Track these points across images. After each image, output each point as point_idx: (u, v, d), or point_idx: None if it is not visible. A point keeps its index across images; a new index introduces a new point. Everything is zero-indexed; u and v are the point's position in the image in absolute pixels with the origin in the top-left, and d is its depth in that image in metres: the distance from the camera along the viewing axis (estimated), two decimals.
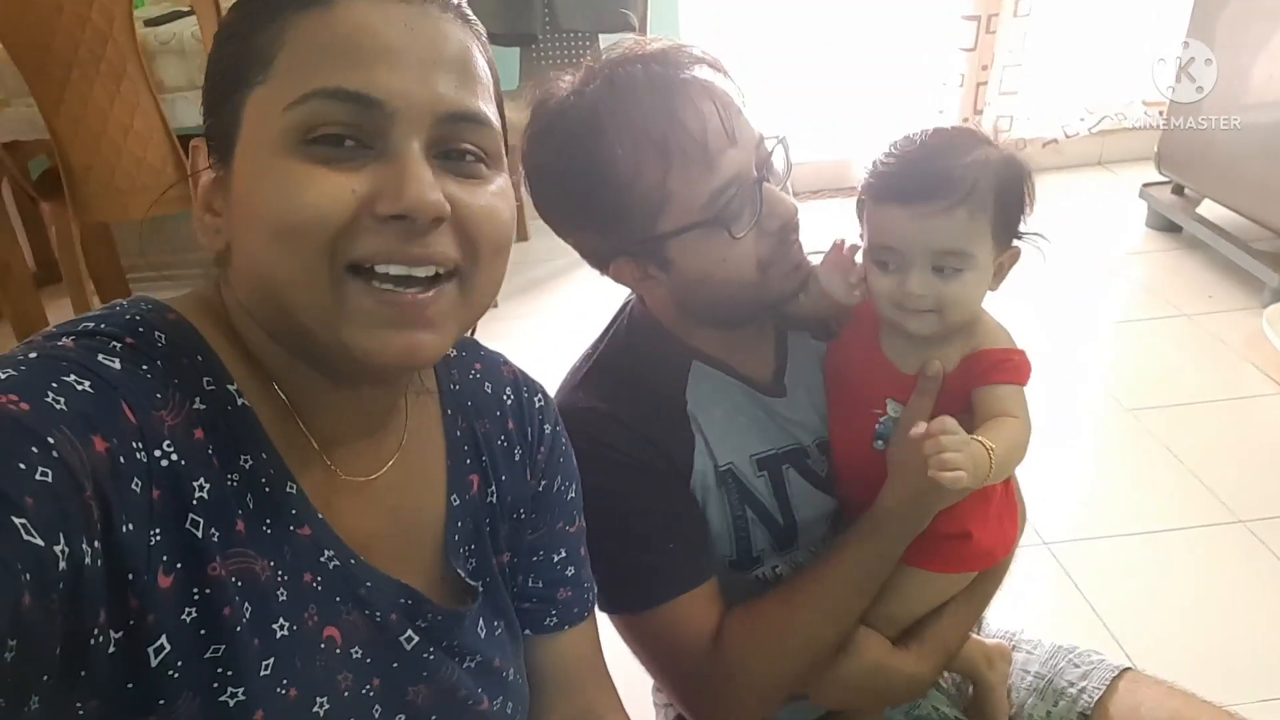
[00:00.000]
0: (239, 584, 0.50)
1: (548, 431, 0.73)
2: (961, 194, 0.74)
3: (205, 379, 0.52)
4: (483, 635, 0.65)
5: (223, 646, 0.49)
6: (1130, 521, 1.83)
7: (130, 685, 0.45)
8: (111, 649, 0.43)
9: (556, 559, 0.73)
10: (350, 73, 0.48)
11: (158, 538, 0.46)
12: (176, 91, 2.19)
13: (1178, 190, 2.94)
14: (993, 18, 3.14)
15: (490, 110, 0.54)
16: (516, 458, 0.70)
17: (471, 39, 0.54)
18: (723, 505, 0.85)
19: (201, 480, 0.49)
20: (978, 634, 0.97)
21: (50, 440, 0.40)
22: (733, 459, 0.85)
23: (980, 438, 0.72)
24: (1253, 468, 1.96)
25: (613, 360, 0.88)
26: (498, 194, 0.54)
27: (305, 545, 0.54)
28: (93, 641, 0.42)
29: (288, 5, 0.50)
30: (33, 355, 0.46)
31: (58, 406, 0.42)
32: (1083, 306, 2.64)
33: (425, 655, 0.61)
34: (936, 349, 0.79)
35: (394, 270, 0.50)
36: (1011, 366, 0.78)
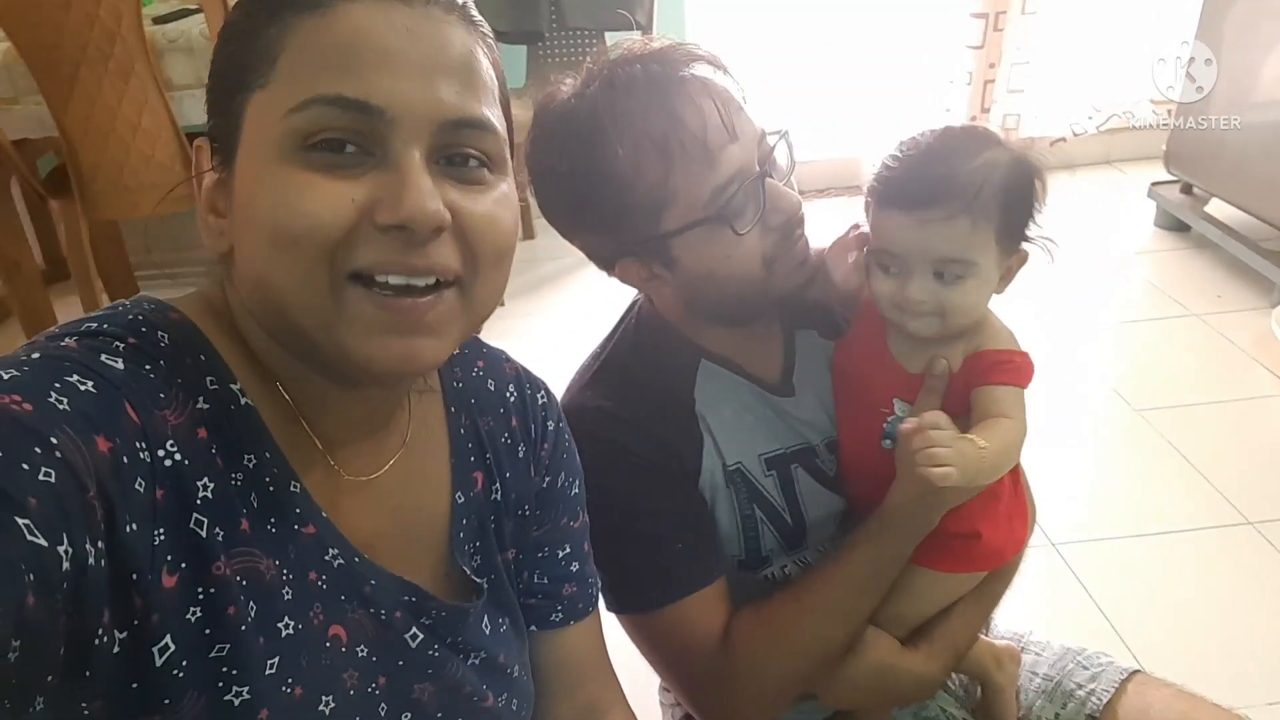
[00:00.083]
0: (243, 583, 0.50)
1: (551, 428, 0.73)
2: (964, 202, 0.73)
3: (208, 378, 0.52)
4: (488, 632, 0.65)
5: (227, 646, 0.49)
6: (1138, 523, 1.83)
7: (135, 685, 0.45)
8: (116, 649, 0.43)
9: (561, 555, 0.73)
10: (351, 79, 0.48)
11: (161, 537, 0.46)
12: (184, 89, 2.20)
13: (1186, 189, 2.93)
14: (1001, 15, 3.13)
15: (494, 114, 0.53)
16: (520, 454, 0.70)
17: (476, 41, 0.53)
18: (731, 505, 0.85)
19: (205, 480, 0.49)
20: (986, 635, 0.97)
21: (53, 440, 0.40)
22: (741, 458, 0.85)
23: (973, 436, 0.72)
24: (1262, 469, 1.95)
25: (621, 359, 0.88)
26: (499, 201, 0.53)
27: (309, 544, 0.54)
28: (97, 642, 0.42)
29: (289, 8, 0.49)
30: (35, 356, 0.46)
31: (60, 407, 0.42)
32: (1090, 306, 2.63)
33: (430, 652, 0.61)
34: (942, 348, 0.79)
35: (394, 280, 0.50)
36: (1012, 368, 0.77)
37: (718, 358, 0.87)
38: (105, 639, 0.42)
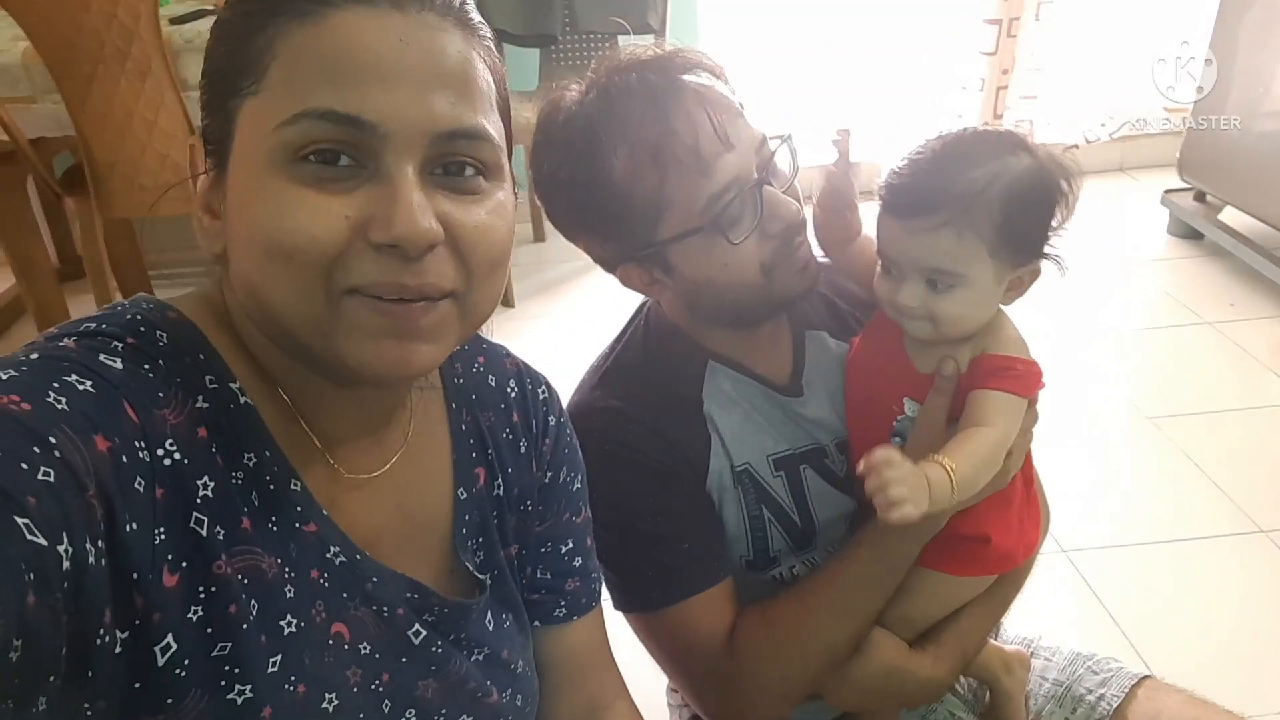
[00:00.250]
0: (245, 581, 0.50)
1: (552, 423, 0.73)
2: (950, 213, 0.72)
3: (207, 377, 0.52)
4: (491, 628, 0.65)
5: (229, 644, 0.49)
6: (1150, 530, 1.82)
7: (137, 685, 0.45)
8: (118, 649, 0.43)
9: (564, 550, 0.73)
10: (342, 93, 0.47)
11: (162, 536, 0.46)
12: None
13: (1199, 197, 2.92)
14: (1014, 21, 3.12)
15: (490, 122, 0.52)
16: (522, 450, 0.70)
17: (472, 46, 0.52)
18: (739, 506, 0.85)
19: (205, 479, 0.49)
20: (996, 640, 0.96)
21: (52, 440, 0.40)
22: (749, 459, 0.85)
23: (940, 459, 0.70)
24: (1274, 477, 1.94)
25: (630, 360, 0.88)
26: (494, 210, 0.52)
27: (311, 542, 0.54)
28: (99, 641, 0.42)
29: (280, 13, 0.48)
30: (34, 356, 0.46)
31: (59, 406, 0.42)
32: (1103, 314, 2.62)
33: (433, 649, 0.61)
34: (952, 349, 0.79)
35: (389, 295, 0.49)
36: (1011, 375, 0.76)
37: (725, 359, 0.87)
38: (107, 639, 0.42)
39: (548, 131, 0.80)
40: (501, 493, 0.68)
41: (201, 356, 0.52)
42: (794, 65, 3.23)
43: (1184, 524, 1.82)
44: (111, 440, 0.44)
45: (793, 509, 0.86)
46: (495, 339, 0.73)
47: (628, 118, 0.76)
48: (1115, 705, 0.91)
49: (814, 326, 0.91)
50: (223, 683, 0.48)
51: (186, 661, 0.46)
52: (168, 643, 0.46)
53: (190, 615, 0.47)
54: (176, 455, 0.47)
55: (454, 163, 0.51)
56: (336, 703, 0.54)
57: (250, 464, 0.52)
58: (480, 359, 0.71)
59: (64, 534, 0.39)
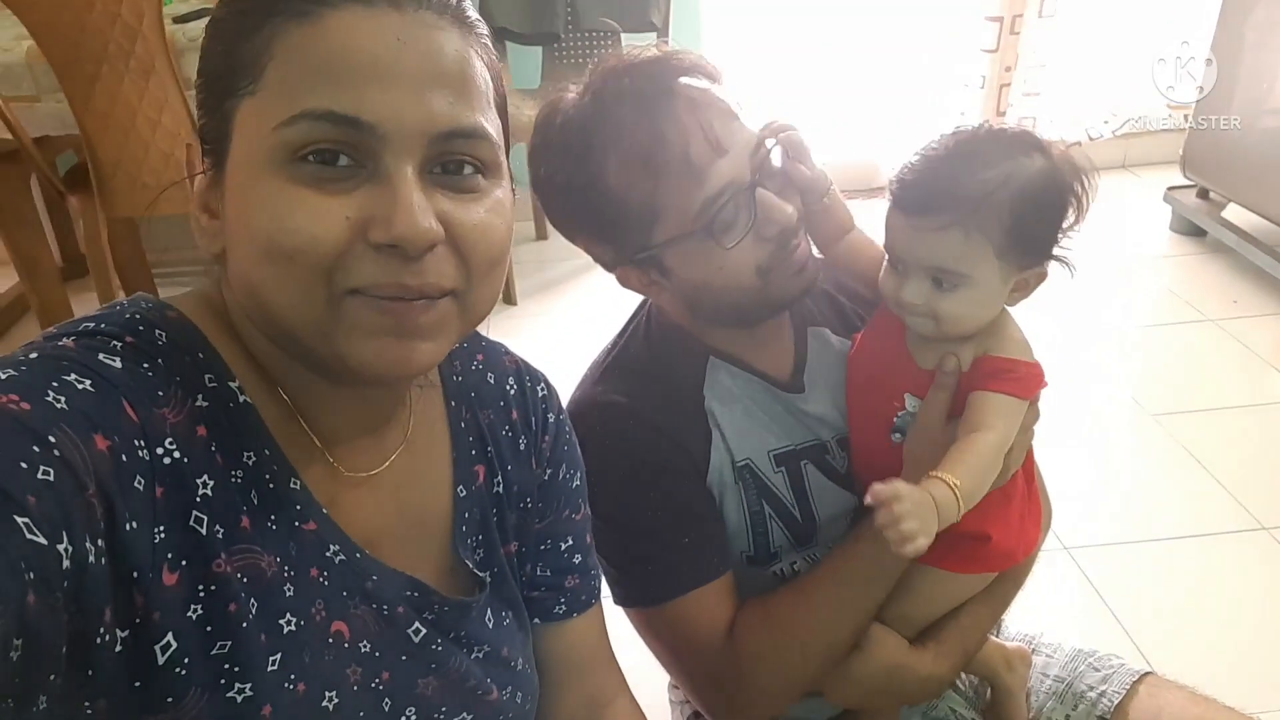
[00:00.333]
0: (244, 580, 0.50)
1: (552, 420, 0.73)
2: (959, 214, 0.72)
3: (206, 376, 0.52)
4: (491, 625, 0.65)
5: (229, 643, 0.49)
6: (1152, 527, 1.82)
7: (137, 683, 0.45)
8: (118, 647, 0.43)
9: (564, 547, 0.73)
10: (341, 94, 0.47)
11: (161, 535, 0.46)
12: None
13: (1203, 194, 2.91)
14: (1017, 19, 3.12)
15: (489, 120, 0.52)
16: (521, 447, 0.70)
17: (470, 44, 0.52)
18: (740, 501, 0.85)
19: (205, 477, 0.49)
20: (997, 637, 0.97)
21: (51, 439, 0.40)
22: (750, 455, 0.85)
23: (943, 475, 0.70)
24: (1277, 474, 1.94)
25: (632, 355, 0.89)
26: (493, 208, 0.52)
27: (311, 541, 0.54)
28: (99, 640, 0.42)
29: (276, 13, 0.48)
30: (33, 355, 0.46)
31: (58, 405, 0.42)
32: (1106, 311, 2.62)
33: (434, 646, 0.61)
34: (954, 346, 0.79)
35: (389, 295, 0.49)
36: (1013, 378, 0.76)
37: (726, 354, 0.87)
38: (107, 637, 0.42)
39: (545, 134, 0.81)
40: (501, 490, 0.68)
41: (200, 355, 0.52)
42: (795, 63, 3.22)
43: (1186, 521, 1.82)
44: (111, 439, 0.44)
45: (793, 505, 0.86)
46: (498, 337, 0.73)
47: (620, 124, 0.76)
48: (1116, 702, 0.91)
49: (816, 323, 0.92)
50: (222, 681, 0.48)
51: (186, 660, 0.46)
52: (168, 641, 0.46)
53: (190, 614, 0.47)
54: (176, 454, 0.48)
55: (453, 161, 0.51)
56: (337, 701, 0.54)
57: (250, 463, 0.52)
58: (479, 356, 0.71)
59: (64, 533, 0.39)
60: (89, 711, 0.43)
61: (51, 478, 0.39)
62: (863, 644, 0.81)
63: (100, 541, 0.41)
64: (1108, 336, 2.51)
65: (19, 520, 0.37)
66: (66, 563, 0.39)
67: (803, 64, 3.24)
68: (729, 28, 3.17)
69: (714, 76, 0.80)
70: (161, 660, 0.46)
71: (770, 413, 0.87)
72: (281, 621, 0.52)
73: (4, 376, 0.43)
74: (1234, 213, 2.79)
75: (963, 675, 0.94)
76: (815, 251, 0.85)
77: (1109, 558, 1.75)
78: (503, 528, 0.68)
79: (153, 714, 0.46)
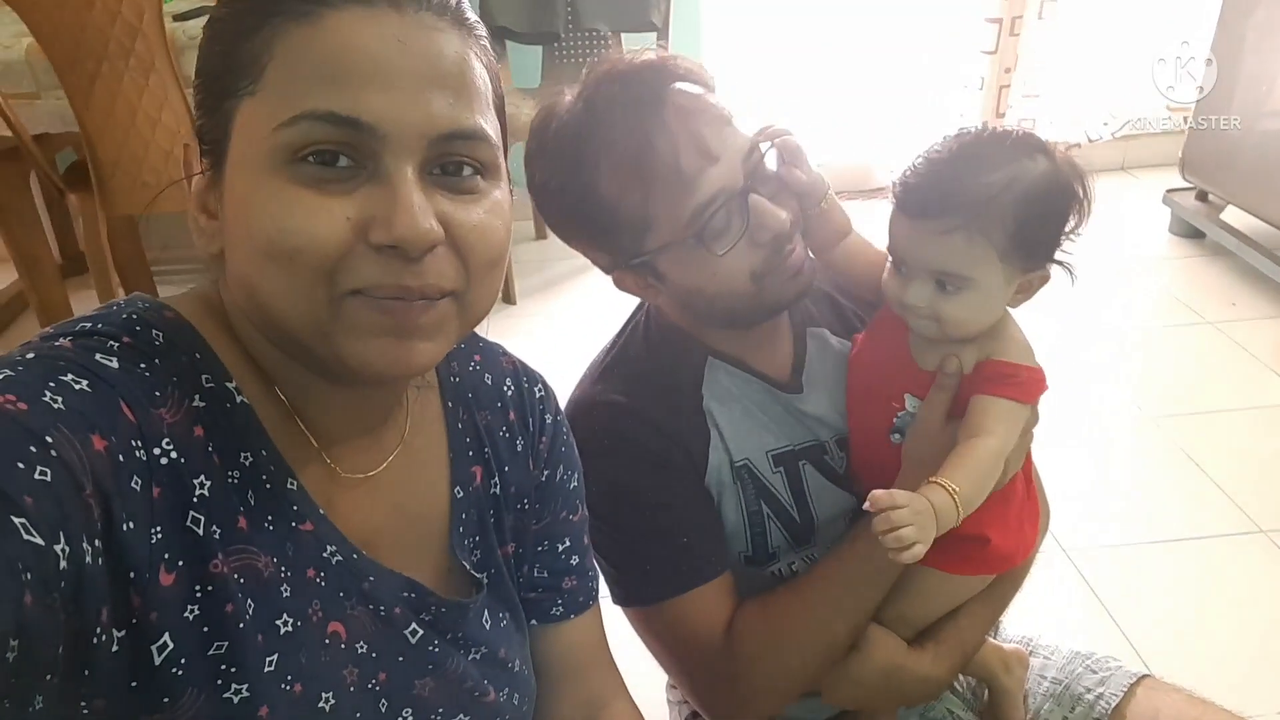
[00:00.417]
0: (241, 580, 0.50)
1: (549, 421, 0.73)
2: (963, 218, 0.72)
3: (204, 376, 0.52)
4: (488, 626, 0.65)
5: (226, 643, 0.49)
6: (1150, 529, 1.82)
7: (134, 684, 0.45)
8: (115, 648, 0.43)
9: (561, 548, 0.73)
10: (341, 95, 0.47)
11: (159, 535, 0.46)
12: None
13: (1201, 196, 2.92)
14: (1016, 20, 3.12)
15: (488, 121, 0.52)
16: (519, 448, 0.70)
17: (469, 45, 0.52)
18: (738, 501, 0.85)
19: (202, 477, 0.49)
20: (995, 639, 0.97)
21: (49, 439, 0.40)
22: (749, 455, 0.85)
23: (942, 480, 0.70)
24: (1275, 477, 1.94)
25: (631, 355, 0.89)
26: (492, 209, 0.53)
27: (308, 541, 0.54)
28: (96, 640, 0.42)
29: (276, 13, 0.48)
30: (30, 356, 0.46)
31: (56, 406, 0.42)
32: (1104, 313, 2.62)
33: (430, 648, 0.61)
34: (956, 348, 0.79)
35: (389, 295, 0.49)
36: (1014, 383, 0.76)
37: (725, 355, 0.87)
38: (104, 637, 0.42)
39: (540, 139, 0.81)
40: (498, 491, 0.68)
41: (198, 355, 0.52)
42: (795, 63, 3.22)
43: (1184, 523, 1.82)
44: (108, 439, 0.44)
45: (792, 505, 0.86)
46: (497, 336, 0.74)
47: (611, 132, 0.76)
48: (1114, 704, 0.91)
49: (815, 323, 0.92)
50: (219, 681, 0.48)
51: (183, 660, 0.46)
52: (164, 641, 0.46)
53: (187, 614, 0.47)
54: (173, 454, 0.48)
55: (452, 163, 0.51)
56: (333, 702, 0.54)
57: (247, 463, 0.52)
58: (476, 357, 0.71)
59: (61, 533, 0.39)
60: (86, 711, 0.43)
61: (49, 478, 0.39)
62: (861, 644, 0.81)
63: (97, 542, 0.41)
64: (1106, 338, 2.51)
65: (16, 521, 0.37)
66: (64, 563, 0.39)
67: (802, 64, 3.24)
68: (729, 28, 3.17)
69: (707, 84, 0.80)
70: (158, 660, 0.46)
71: (769, 413, 0.87)
72: (278, 622, 0.52)
73: (1, 376, 0.43)
74: (1233, 215, 2.79)
75: (960, 676, 0.94)
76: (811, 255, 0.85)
77: (1107, 560, 1.75)
78: (500, 529, 0.68)
79: (150, 714, 0.46)
